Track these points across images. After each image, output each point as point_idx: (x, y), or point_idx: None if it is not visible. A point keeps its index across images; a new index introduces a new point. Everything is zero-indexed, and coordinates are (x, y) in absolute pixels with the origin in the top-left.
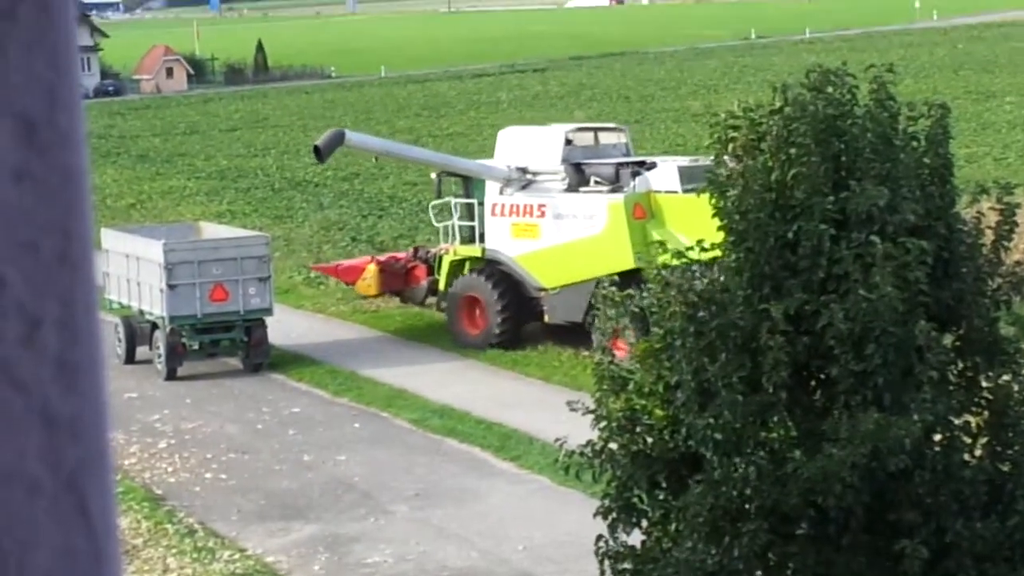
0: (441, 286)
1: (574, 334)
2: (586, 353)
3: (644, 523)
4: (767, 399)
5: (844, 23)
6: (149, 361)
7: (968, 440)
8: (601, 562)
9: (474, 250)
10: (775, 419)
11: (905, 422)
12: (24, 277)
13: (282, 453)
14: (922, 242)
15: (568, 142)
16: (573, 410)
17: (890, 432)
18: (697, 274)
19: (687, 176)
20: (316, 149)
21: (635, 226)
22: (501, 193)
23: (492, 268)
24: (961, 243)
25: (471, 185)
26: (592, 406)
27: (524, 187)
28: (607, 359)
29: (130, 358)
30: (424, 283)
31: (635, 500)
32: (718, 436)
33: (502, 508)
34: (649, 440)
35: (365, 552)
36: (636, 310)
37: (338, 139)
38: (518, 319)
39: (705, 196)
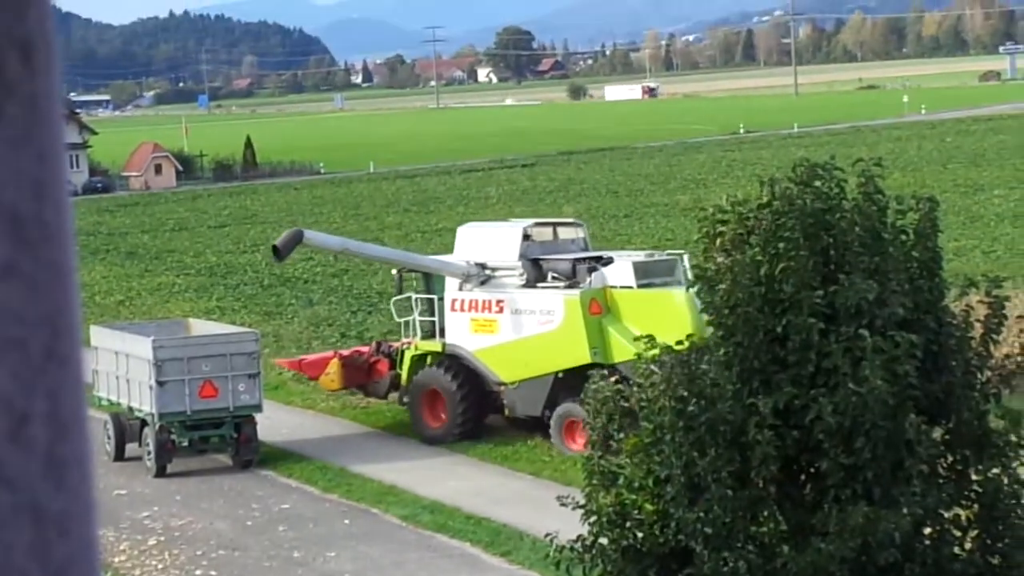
0: (403, 380)
1: (541, 425)
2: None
3: None
4: (756, 493)
5: (832, 118)
6: (138, 458)
7: (958, 533)
8: None
9: (435, 345)
10: (765, 513)
11: (895, 516)
12: (11, 373)
13: (272, 550)
14: (911, 336)
15: (526, 237)
16: (563, 505)
17: (880, 526)
18: (686, 369)
19: (642, 272)
20: (275, 248)
21: (591, 321)
22: (460, 289)
23: (452, 362)
24: (950, 336)
25: (432, 280)
26: (582, 501)
27: (483, 283)
28: (597, 454)
29: (119, 455)
30: (387, 377)
31: None
32: (708, 530)
33: None
34: (639, 535)
35: None
36: (625, 405)
37: (296, 238)
38: (479, 412)
39: (659, 291)
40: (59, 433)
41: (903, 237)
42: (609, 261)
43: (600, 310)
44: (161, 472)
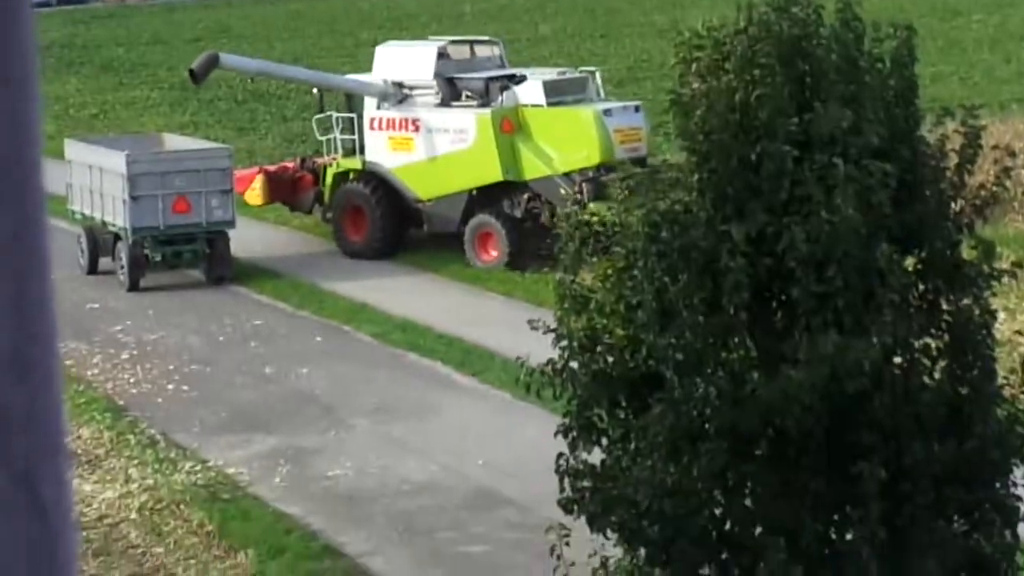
0: (326, 197)
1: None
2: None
3: (604, 442)
4: (728, 320)
5: None
6: (112, 272)
7: (928, 363)
8: (561, 479)
9: (355, 162)
10: (735, 340)
11: (865, 344)
12: None
13: (244, 365)
14: (885, 165)
15: (442, 56)
16: (534, 328)
17: (850, 354)
18: (659, 195)
19: (552, 90)
20: (191, 72)
21: (503, 140)
22: (379, 108)
23: (372, 179)
24: (925, 166)
25: (353, 100)
26: (553, 324)
27: (400, 102)
28: (568, 278)
29: (93, 269)
30: (311, 192)
31: (595, 419)
32: (679, 356)
33: (463, 423)
34: (610, 359)
35: (326, 465)
36: (599, 228)
37: (212, 61)
38: (399, 227)
39: (568, 109)
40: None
41: (879, 66)
42: (522, 79)
43: (512, 128)
44: (134, 286)
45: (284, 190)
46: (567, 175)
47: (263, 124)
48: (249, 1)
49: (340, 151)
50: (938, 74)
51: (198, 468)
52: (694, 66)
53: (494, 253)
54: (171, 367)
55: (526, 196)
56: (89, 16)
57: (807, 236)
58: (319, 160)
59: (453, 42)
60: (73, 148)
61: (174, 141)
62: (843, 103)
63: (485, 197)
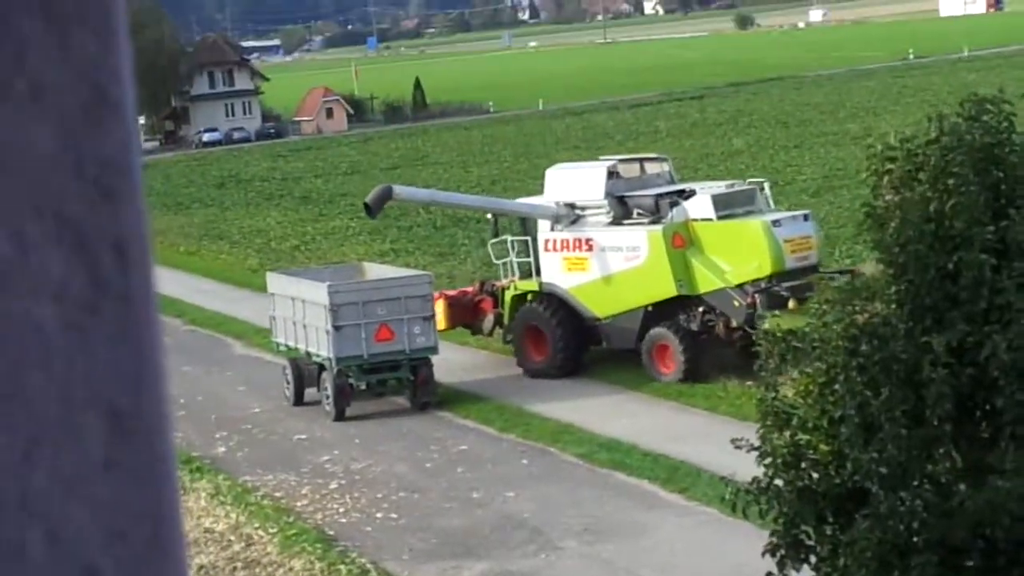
0: (506, 319)
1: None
2: (749, 383)
3: (812, 559)
4: (932, 432)
5: (1002, 40)
6: (318, 402)
7: None
8: None
9: (532, 284)
10: (940, 452)
11: None
12: (116, 565)
13: (451, 491)
14: None
15: (611, 175)
16: (738, 447)
17: None
18: (858, 308)
19: (721, 203)
20: (366, 206)
21: (675, 255)
22: (552, 229)
23: (550, 300)
24: None
25: (527, 223)
26: (756, 442)
27: (573, 222)
28: (771, 395)
29: (299, 400)
30: (491, 315)
31: (802, 536)
32: (883, 470)
33: (671, 541)
34: (815, 475)
35: None
36: (798, 345)
37: (386, 194)
38: (578, 346)
39: (737, 222)
40: None
41: None
42: (691, 194)
43: (683, 243)
44: (340, 416)
45: (465, 314)
46: (740, 287)
47: (462, 249)
48: (444, 127)
49: (517, 273)
50: None
51: None
52: (887, 178)
53: (672, 366)
54: (379, 495)
55: (701, 309)
56: (287, 149)
57: (1009, 344)
58: (498, 283)
59: (622, 160)
60: (275, 281)
61: (375, 270)
62: None
63: (660, 312)
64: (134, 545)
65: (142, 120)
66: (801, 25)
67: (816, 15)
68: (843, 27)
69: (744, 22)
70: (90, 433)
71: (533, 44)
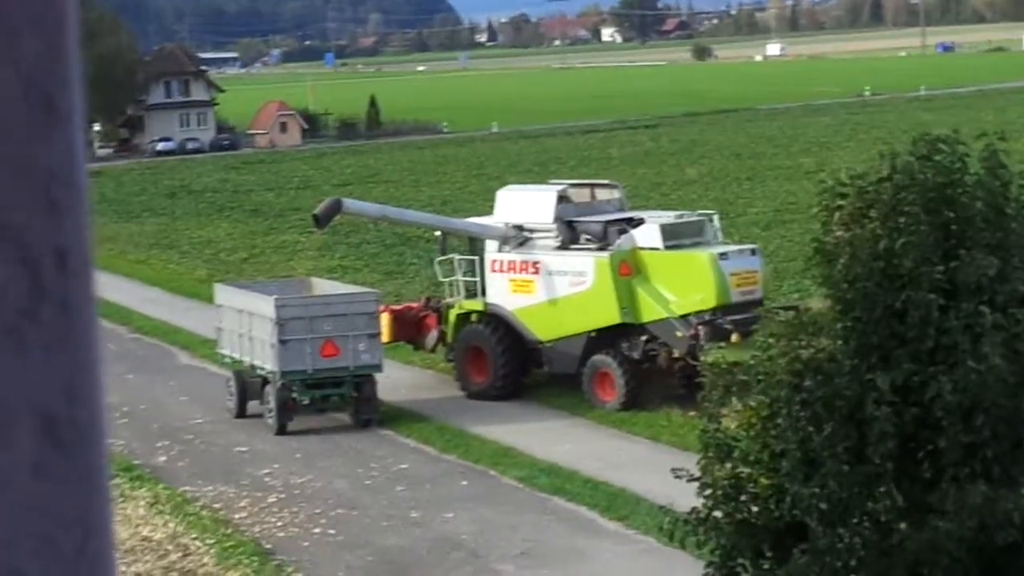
0: (449, 338)
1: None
2: (692, 413)
3: None
4: (873, 470)
5: (959, 80)
6: (260, 415)
7: None
8: None
9: (477, 304)
10: (881, 490)
11: (1014, 495)
12: (43, 570)
13: (390, 509)
14: None
15: (562, 200)
16: (678, 477)
17: (999, 505)
18: (803, 343)
19: (670, 233)
20: (315, 217)
21: (621, 283)
22: (500, 250)
23: (494, 321)
24: None
25: (476, 242)
26: (697, 473)
27: (520, 244)
28: (712, 427)
29: (241, 412)
30: (435, 331)
31: (739, 569)
32: (823, 506)
33: (609, 569)
34: (754, 508)
35: None
36: (743, 378)
37: (335, 207)
38: (520, 368)
39: (685, 253)
40: None
41: None
42: (640, 222)
43: (629, 271)
44: (282, 430)
45: (409, 329)
46: (684, 318)
47: (411, 267)
48: (397, 146)
49: (463, 292)
50: None
51: None
52: (837, 214)
53: (612, 394)
54: (318, 511)
55: (643, 338)
56: (240, 162)
57: (954, 385)
58: (444, 301)
59: (573, 185)
60: (223, 293)
61: (322, 285)
62: (989, 251)
63: (603, 339)
64: (62, 552)
65: (97, 127)
66: (758, 58)
67: (774, 49)
68: (800, 61)
69: (702, 53)
70: (21, 438)
71: (421, 68)
